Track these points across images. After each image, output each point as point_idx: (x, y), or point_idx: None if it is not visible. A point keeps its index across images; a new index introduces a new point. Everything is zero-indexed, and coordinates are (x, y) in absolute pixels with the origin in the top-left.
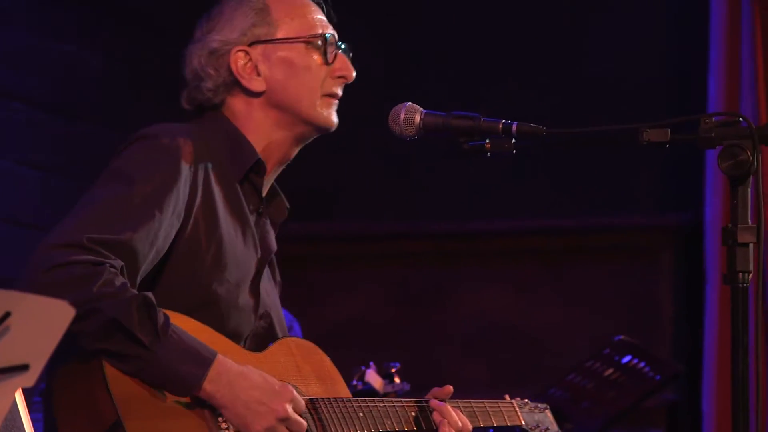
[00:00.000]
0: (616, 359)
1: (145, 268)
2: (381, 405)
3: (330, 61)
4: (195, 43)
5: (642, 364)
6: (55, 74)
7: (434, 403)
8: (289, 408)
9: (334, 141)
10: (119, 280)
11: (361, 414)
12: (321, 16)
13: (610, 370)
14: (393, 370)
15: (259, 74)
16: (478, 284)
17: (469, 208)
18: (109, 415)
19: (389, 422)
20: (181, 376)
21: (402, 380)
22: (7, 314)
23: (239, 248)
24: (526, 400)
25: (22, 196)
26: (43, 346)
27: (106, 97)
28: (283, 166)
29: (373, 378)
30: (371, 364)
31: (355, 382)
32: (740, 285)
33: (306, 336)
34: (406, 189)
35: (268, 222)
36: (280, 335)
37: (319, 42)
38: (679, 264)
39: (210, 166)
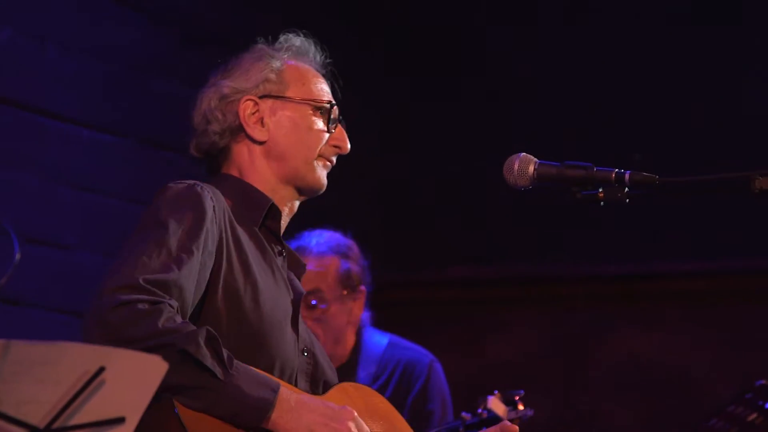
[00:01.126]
0: (759, 404)
1: (191, 306)
2: None
3: (332, 129)
4: (208, 87)
5: None
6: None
7: None
8: (352, 426)
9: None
10: (179, 317)
11: None
12: (328, 90)
13: (754, 415)
14: (516, 397)
15: (263, 125)
16: (624, 328)
17: (614, 251)
18: None
19: None
20: (253, 403)
21: (526, 407)
22: (102, 369)
23: (273, 288)
24: None
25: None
26: (137, 399)
27: None
28: (290, 216)
29: (495, 405)
30: (495, 392)
31: (480, 411)
32: None
33: (459, 375)
34: (556, 232)
35: (291, 273)
36: (327, 370)
37: (325, 109)
38: None
39: (230, 212)
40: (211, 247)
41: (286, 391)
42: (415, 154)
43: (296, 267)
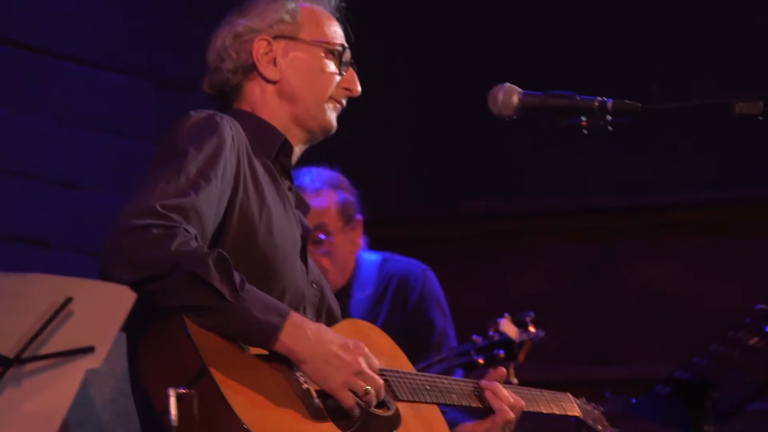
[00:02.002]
0: (759, 328)
1: (211, 231)
2: (446, 381)
3: (343, 72)
4: (223, 26)
5: None
6: None
7: (484, 383)
8: (363, 362)
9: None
10: (194, 242)
11: (427, 387)
12: (342, 33)
13: (755, 339)
14: (527, 319)
15: (276, 65)
16: (642, 258)
17: (632, 182)
18: (194, 364)
19: (455, 396)
20: (260, 326)
21: (537, 328)
22: (69, 299)
23: (285, 219)
24: (582, 398)
25: None
26: (106, 328)
27: None
28: (296, 159)
29: (507, 327)
30: (505, 314)
31: (491, 333)
32: None
33: (479, 310)
34: (577, 164)
35: (298, 210)
36: (332, 303)
37: (337, 52)
38: None
39: (247, 142)
40: (230, 174)
41: (299, 318)
42: (439, 90)
43: (301, 206)
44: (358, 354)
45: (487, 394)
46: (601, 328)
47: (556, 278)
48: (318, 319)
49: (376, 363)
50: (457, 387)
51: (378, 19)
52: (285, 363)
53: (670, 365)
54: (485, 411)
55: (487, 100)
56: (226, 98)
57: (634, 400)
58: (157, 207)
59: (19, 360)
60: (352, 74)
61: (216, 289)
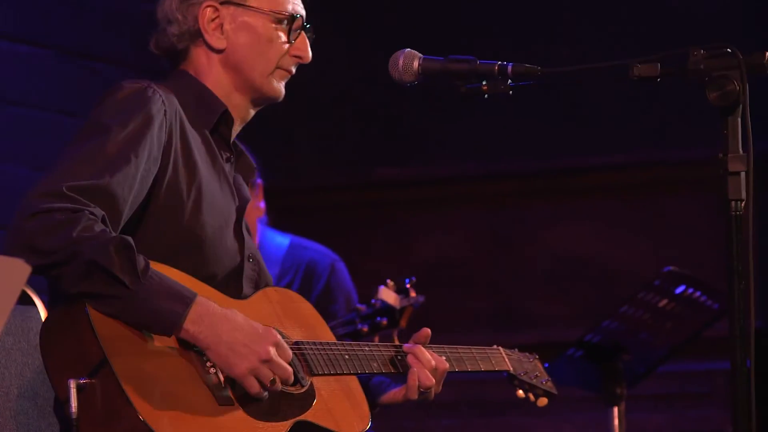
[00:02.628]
0: (669, 289)
1: (126, 213)
2: (366, 349)
3: (292, 39)
4: None
5: (698, 294)
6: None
7: (406, 346)
8: (272, 350)
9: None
10: (99, 227)
11: (346, 356)
12: None
13: (665, 301)
14: (408, 285)
15: (222, 33)
16: (553, 222)
17: (539, 146)
18: (95, 354)
19: (375, 365)
20: (162, 314)
21: (418, 293)
22: None
23: (218, 194)
24: (515, 350)
25: None
26: (2, 302)
27: None
28: (243, 125)
29: (386, 294)
30: (387, 281)
31: (373, 301)
32: (733, 213)
33: (389, 278)
34: (483, 131)
35: (239, 176)
36: (268, 276)
37: (286, 20)
38: (762, 194)
39: (182, 114)
40: (157, 152)
41: (205, 304)
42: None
43: (246, 170)
44: (267, 342)
45: (409, 358)
46: (513, 292)
47: (465, 244)
48: (256, 292)
49: (289, 351)
50: (378, 353)
51: None
52: (192, 350)
53: (581, 329)
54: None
55: (388, 66)
56: (173, 58)
57: (546, 365)
58: (64, 189)
59: None
60: (303, 40)
61: (116, 276)
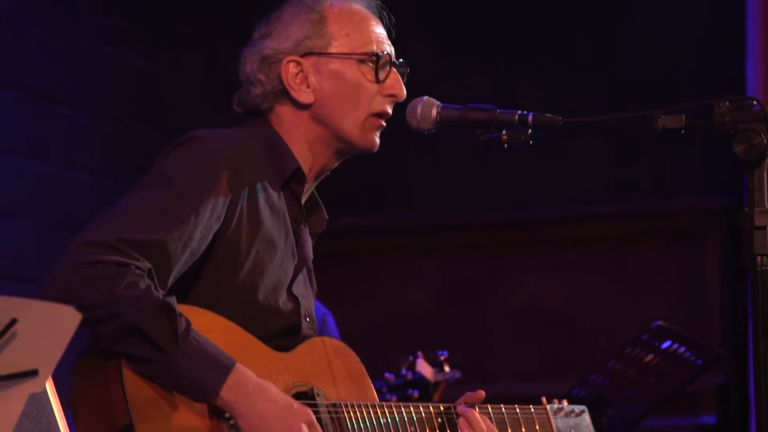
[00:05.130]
0: (655, 345)
1: (178, 269)
2: (406, 410)
3: (381, 78)
4: (251, 47)
5: (682, 349)
6: (96, 77)
7: (461, 408)
8: (304, 429)
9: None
10: (144, 283)
11: (384, 420)
12: (379, 30)
13: (651, 356)
14: (442, 358)
15: (308, 86)
16: (526, 272)
17: (513, 197)
18: (122, 416)
19: (412, 429)
20: (198, 383)
21: (452, 368)
22: (14, 321)
23: (278, 254)
24: (563, 404)
25: (68, 199)
26: (51, 351)
27: (149, 98)
28: (323, 177)
29: (423, 367)
30: (419, 353)
31: (404, 372)
32: (759, 268)
33: (356, 328)
34: (454, 180)
35: (307, 230)
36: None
37: (372, 60)
38: (725, 246)
39: (254, 171)
40: (221, 210)
41: (242, 372)
42: None
43: (316, 224)
44: (300, 419)
45: (461, 421)
46: (481, 344)
47: (433, 294)
48: (302, 343)
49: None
50: (419, 415)
51: None
52: (222, 417)
53: (550, 382)
54: None
55: (405, 113)
56: (256, 115)
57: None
58: (114, 240)
59: None
60: (394, 78)
61: (154, 341)
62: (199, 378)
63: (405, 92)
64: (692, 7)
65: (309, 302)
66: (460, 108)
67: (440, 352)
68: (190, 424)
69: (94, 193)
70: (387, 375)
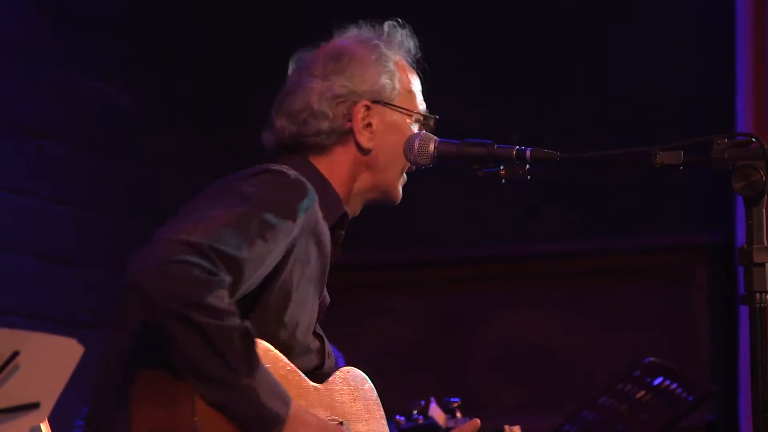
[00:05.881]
0: (647, 381)
1: (241, 292)
2: None
3: None
4: (316, 78)
5: (674, 386)
6: (82, 111)
7: None
8: None
9: None
10: (227, 299)
11: None
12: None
13: (642, 392)
14: (455, 405)
15: (372, 133)
16: (507, 309)
17: (494, 232)
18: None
19: None
20: (269, 412)
21: (464, 415)
22: (16, 353)
23: (315, 293)
24: None
25: (52, 232)
26: (53, 383)
27: (136, 133)
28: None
29: (436, 413)
30: (432, 398)
31: (416, 416)
32: (758, 305)
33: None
34: (429, 216)
35: None
36: None
37: (421, 120)
38: (714, 282)
39: (319, 211)
40: (291, 244)
41: (299, 406)
42: None
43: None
44: None
45: None
46: (463, 380)
47: (415, 329)
48: (333, 374)
49: None
50: None
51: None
52: None
53: (533, 417)
54: None
55: (403, 149)
56: (296, 150)
57: None
58: (206, 247)
59: None
60: None
61: (232, 366)
62: (270, 408)
63: None
64: (682, 45)
65: (326, 341)
66: (457, 143)
67: (453, 399)
68: None
69: (75, 225)
70: (398, 417)
